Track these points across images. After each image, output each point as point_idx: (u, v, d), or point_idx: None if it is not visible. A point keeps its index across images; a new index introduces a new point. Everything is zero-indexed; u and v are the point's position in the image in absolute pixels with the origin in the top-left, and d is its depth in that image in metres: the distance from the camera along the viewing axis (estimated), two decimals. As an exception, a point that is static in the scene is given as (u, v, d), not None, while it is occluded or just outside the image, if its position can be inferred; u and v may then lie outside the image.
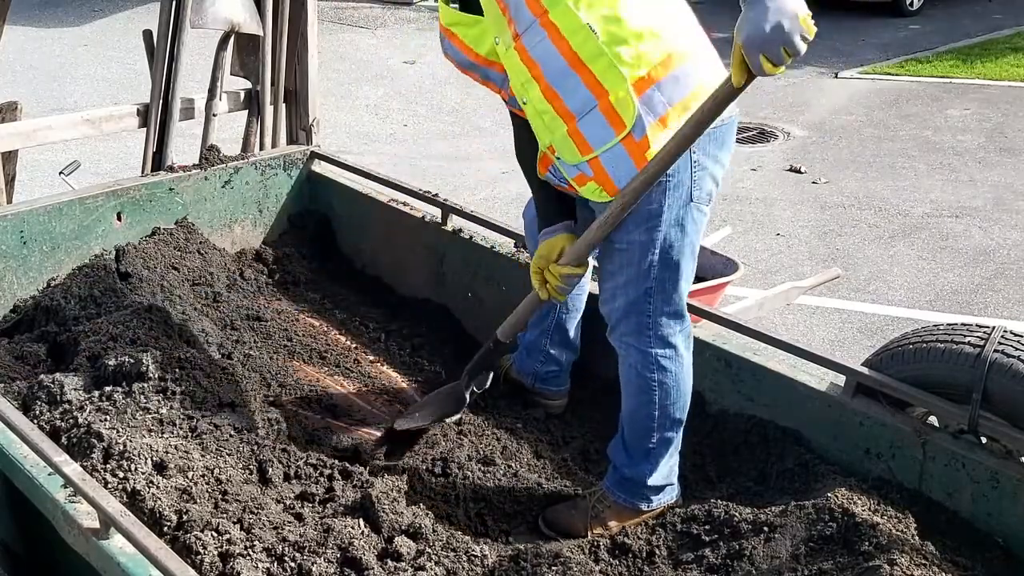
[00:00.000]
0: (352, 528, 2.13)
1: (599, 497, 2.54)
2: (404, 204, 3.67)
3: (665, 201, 2.28)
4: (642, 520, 2.51)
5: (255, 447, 2.38)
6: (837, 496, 2.28)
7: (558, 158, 2.32)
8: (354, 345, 3.41)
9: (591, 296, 2.89)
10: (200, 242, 3.56)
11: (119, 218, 3.42)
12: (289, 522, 2.15)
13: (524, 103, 2.33)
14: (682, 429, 2.53)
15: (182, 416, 2.39)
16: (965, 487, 2.32)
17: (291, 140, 4.00)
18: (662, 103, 2.20)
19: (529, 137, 2.42)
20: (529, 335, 2.99)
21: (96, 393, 2.44)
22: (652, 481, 2.50)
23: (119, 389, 2.44)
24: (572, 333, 2.97)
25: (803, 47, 1.88)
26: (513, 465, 2.67)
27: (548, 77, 2.23)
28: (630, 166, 2.21)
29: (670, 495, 2.56)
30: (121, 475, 2.13)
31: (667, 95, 2.20)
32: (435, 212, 3.52)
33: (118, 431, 2.25)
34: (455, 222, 3.47)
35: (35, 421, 2.34)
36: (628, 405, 2.51)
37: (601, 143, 2.22)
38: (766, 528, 2.27)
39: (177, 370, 2.54)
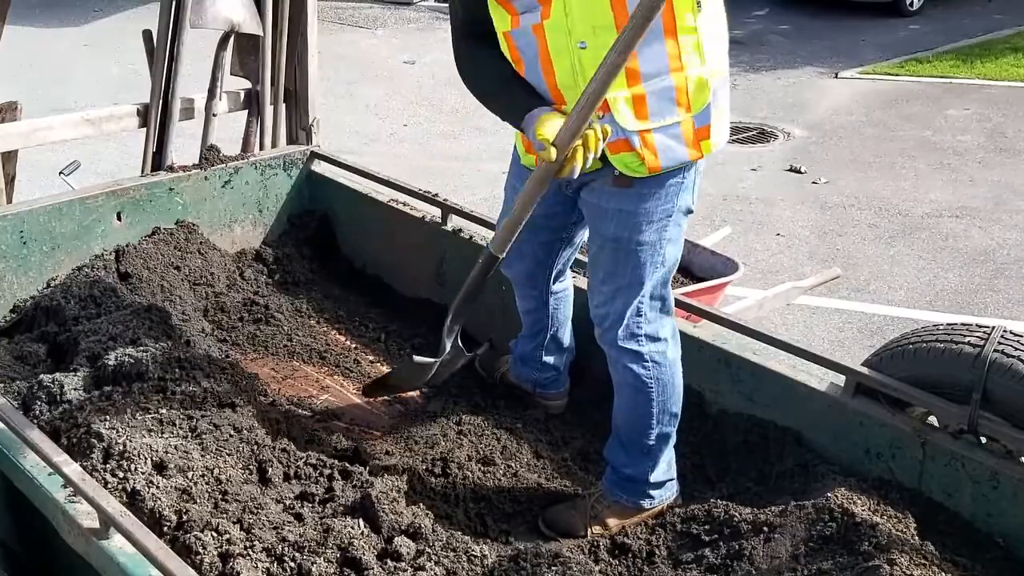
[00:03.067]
0: (352, 528, 2.13)
1: (598, 497, 2.54)
2: (404, 204, 3.67)
3: (676, 202, 2.31)
4: (642, 519, 2.51)
5: (255, 447, 2.38)
6: (837, 496, 2.28)
7: (601, 116, 2.19)
8: (354, 345, 3.41)
9: (578, 297, 2.89)
10: (200, 242, 3.56)
11: (119, 218, 3.42)
12: (289, 522, 2.15)
13: (582, 47, 2.15)
14: (677, 422, 2.54)
15: (182, 416, 2.39)
16: (965, 487, 2.33)
17: (291, 140, 4.00)
18: (716, 105, 2.25)
19: (501, 62, 2.31)
20: (522, 346, 2.98)
21: (96, 393, 2.44)
22: (654, 477, 2.50)
23: (119, 389, 2.44)
24: (566, 340, 2.97)
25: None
26: (513, 465, 2.67)
27: None
28: (683, 151, 2.23)
29: (671, 491, 2.56)
30: (121, 475, 2.13)
31: (718, 101, 2.26)
32: (435, 212, 3.52)
33: (118, 431, 2.25)
34: (455, 222, 3.47)
35: (35, 421, 2.34)
36: (625, 405, 2.51)
37: (662, 117, 2.20)
38: (766, 528, 2.27)
39: (177, 370, 2.54)
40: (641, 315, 2.41)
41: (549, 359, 2.96)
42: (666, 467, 2.54)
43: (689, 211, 2.38)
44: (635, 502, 2.51)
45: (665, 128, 2.20)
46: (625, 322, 2.41)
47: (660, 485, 2.53)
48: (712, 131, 2.26)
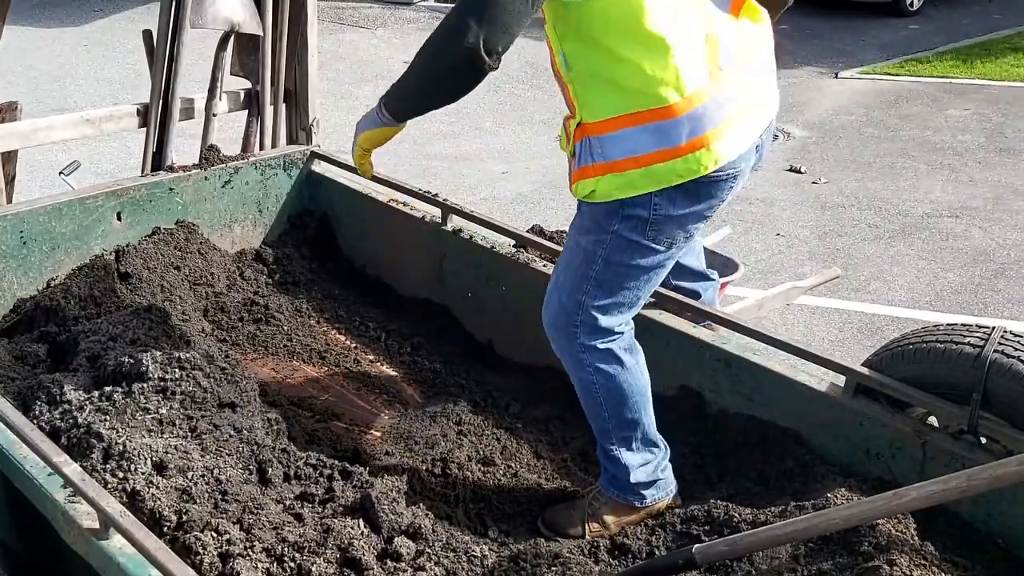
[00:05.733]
0: (352, 528, 2.13)
1: (595, 495, 2.54)
2: (404, 204, 3.67)
3: (615, 222, 2.25)
4: (640, 519, 2.51)
5: (255, 447, 2.38)
6: (837, 497, 2.28)
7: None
8: (354, 345, 3.41)
9: None
10: (200, 242, 3.56)
11: (119, 218, 3.42)
12: (289, 522, 2.15)
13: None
14: (644, 428, 2.47)
15: (182, 416, 2.39)
16: (965, 487, 2.32)
17: (291, 140, 4.00)
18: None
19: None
20: None
21: (96, 393, 2.44)
22: (634, 479, 2.47)
23: (119, 389, 2.44)
24: (696, 265, 2.91)
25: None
26: (513, 465, 2.67)
27: None
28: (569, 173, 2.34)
29: (664, 491, 2.53)
30: (121, 475, 2.13)
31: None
32: (435, 212, 3.52)
33: (118, 431, 2.25)
34: (455, 222, 3.47)
35: (35, 421, 2.33)
36: (582, 403, 2.50)
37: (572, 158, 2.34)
38: (766, 528, 2.27)
39: (177, 370, 2.53)
40: (574, 324, 2.37)
41: (682, 284, 2.90)
42: (649, 470, 2.49)
43: (640, 250, 2.28)
44: (627, 500, 2.49)
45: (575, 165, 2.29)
46: (560, 322, 2.40)
47: (648, 485, 2.49)
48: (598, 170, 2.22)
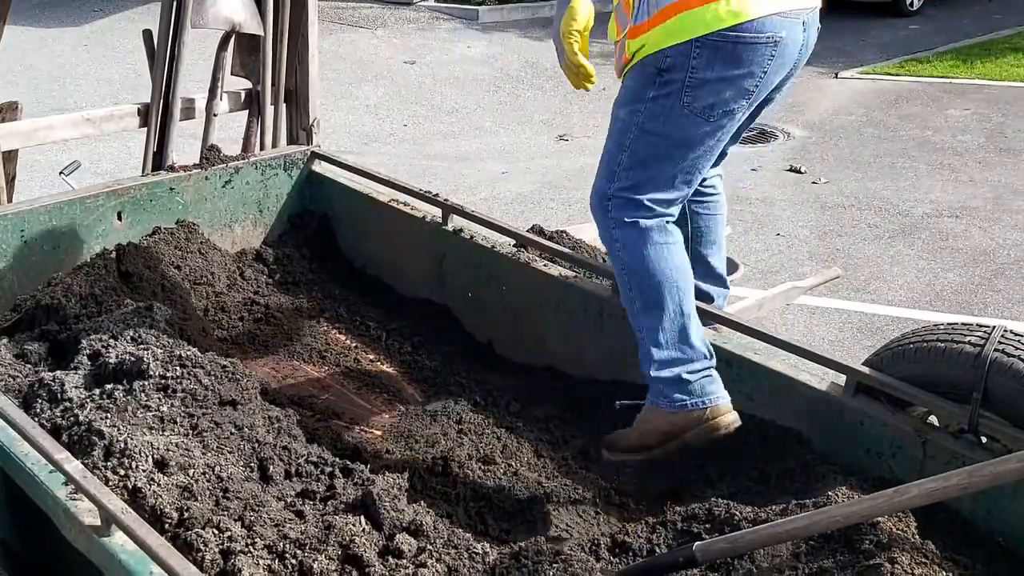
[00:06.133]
0: (353, 526, 2.13)
1: (647, 409, 2.48)
2: (404, 204, 3.67)
3: (651, 91, 2.32)
4: (681, 428, 2.41)
5: (256, 445, 2.38)
6: (838, 495, 2.28)
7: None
8: (354, 345, 3.41)
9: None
10: (200, 242, 3.57)
11: (119, 218, 3.43)
12: (290, 519, 2.15)
13: None
14: (674, 320, 2.42)
15: (183, 414, 2.40)
16: (965, 486, 2.33)
17: (291, 140, 4.00)
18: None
19: None
20: None
21: (97, 391, 2.44)
22: (655, 373, 2.42)
23: (120, 387, 2.44)
24: (718, 267, 2.89)
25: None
26: (513, 464, 2.68)
27: None
28: (619, 49, 2.40)
29: (698, 399, 2.43)
30: (122, 472, 2.13)
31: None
32: (435, 212, 3.53)
33: (119, 429, 2.25)
34: (455, 222, 3.47)
35: (36, 419, 2.33)
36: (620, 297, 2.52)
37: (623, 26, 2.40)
38: (766, 527, 2.27)
39: (178, 368, 2.53)
40: (607, 196, 2.41)
41: (698, 283, 2.74)
42: (673, 369, 2.41)
43: (675, 117, 2.31)
44: (655, 402, 2.44)
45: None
46: (596, 192, 2.45)
47: (674, 386, 2.41)
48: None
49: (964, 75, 9.76)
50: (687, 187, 2.45)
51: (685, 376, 2.43)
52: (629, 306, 2.49)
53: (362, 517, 2.18)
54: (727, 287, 2.99)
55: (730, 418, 2.47)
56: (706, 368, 2.47)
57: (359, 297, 3.72)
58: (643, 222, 2.40)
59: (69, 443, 2.24)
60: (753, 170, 7.13)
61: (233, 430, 2.41)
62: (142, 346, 2.66)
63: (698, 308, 2.83)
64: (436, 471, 2.58)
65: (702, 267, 2.88)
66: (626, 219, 2.40)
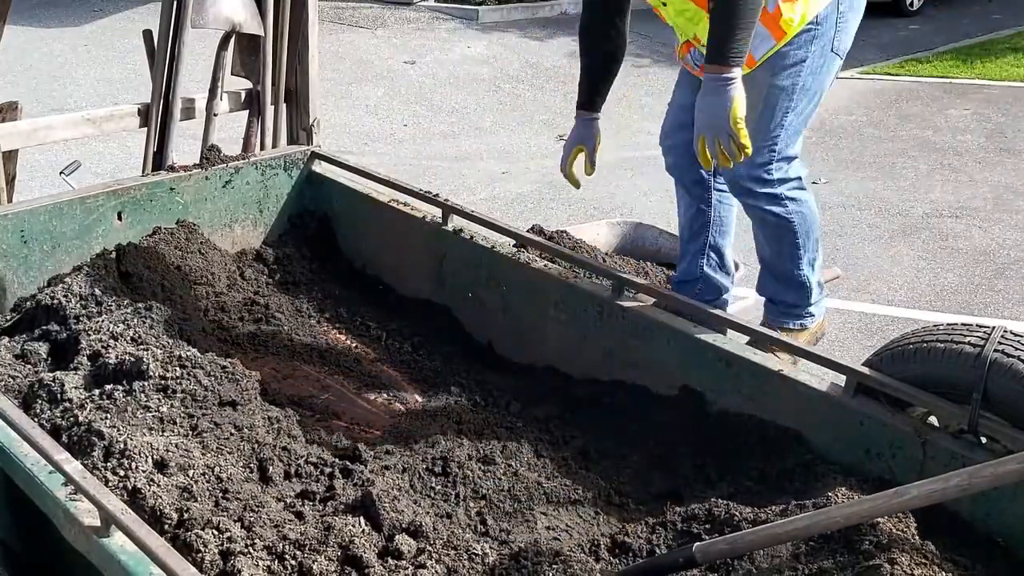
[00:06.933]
0: (353, 526, 2.13)
1: (797, 328, 2.83)
2: (404, 204, 3.67)
3: (811, 49, 2.57)
4: (809, 339, 2.79)
5: (255, 445, 2.38)
6: (837, 496, 2.28)
7: (703, 45, 2.55)
8: (354, 345, 3.41)
9: None
10: (201, 242, 3.56)
11: (120, 218, 3.43)
12: (290, 520, 2.15)
13: (664, 4, 2.64)
14: (820, 245, 2.82)
15: (183, 414, 2.40)
16: (965, 486, 2.32)
17: (292, 140, 4.00)
18: None
19: (602, 20, 2.81)
20: (682, 265, 3.14)
21: (97, 391, 2.44)
22: (813, 299, 2.81)
23: (120, 387, 2.44)
24: (728, 261, 3.12)
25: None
26: (513, 464, 2.67)
27: None
28: (766, 35, 2.53)
29: (824, 308, 2.89)
30: (122, 473, 2.13)
31: None
32: (435, 212, 3.53)
33: (119, 429, 2.26)
34: (456, 222, 3.47)
35: (36, 419, 2.34)
36: (770, 243, 2.77)
37: None
38: (766, 527, 2.27)
39: (178, 369, 2.54)
40: (770, 160, 2.61)
41: (712, 273, 3.07)
42: (819, 289, 2.83)
43: (826, 65, 2.64)
44: (800, 324, 2.80)
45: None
46: (756, 164, 2.60)
47: (818, 304, 2.82)
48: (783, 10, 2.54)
49: (964, 75, 9.76)
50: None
51: (825, 292, 2.90)
52: (792, 253, 2.77)
53: (362, 518, 2.18)
54: (731, 286, 3.05)
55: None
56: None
57: (359, 297, 3.72)
58: (803, 172, 2.71)
59: (69, 444, 2.24)
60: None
61: (233, 430, 2.41)
62: (142, 346, 2.66)
63: (697, 308, 2.85)
64: (436, 471, 2.58)
65: (717, 257, 2.98)
66: (791, 174, 2.68)
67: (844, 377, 2.54)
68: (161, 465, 2.19)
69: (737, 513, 2.34)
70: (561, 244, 3.55)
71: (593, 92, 2.95)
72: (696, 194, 3.05)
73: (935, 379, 2.39)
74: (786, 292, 2.80)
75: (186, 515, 2.05)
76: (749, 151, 2.44)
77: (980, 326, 2.42)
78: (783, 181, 2.66)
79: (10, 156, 3.53)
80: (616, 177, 6.67)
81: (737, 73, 2.37)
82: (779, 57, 2.59)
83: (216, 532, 2.02)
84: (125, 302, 3.09)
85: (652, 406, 2.89)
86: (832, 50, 2.63)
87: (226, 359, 2.65)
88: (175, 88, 3.61)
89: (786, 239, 2.74)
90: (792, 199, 2.69)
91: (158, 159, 3.63)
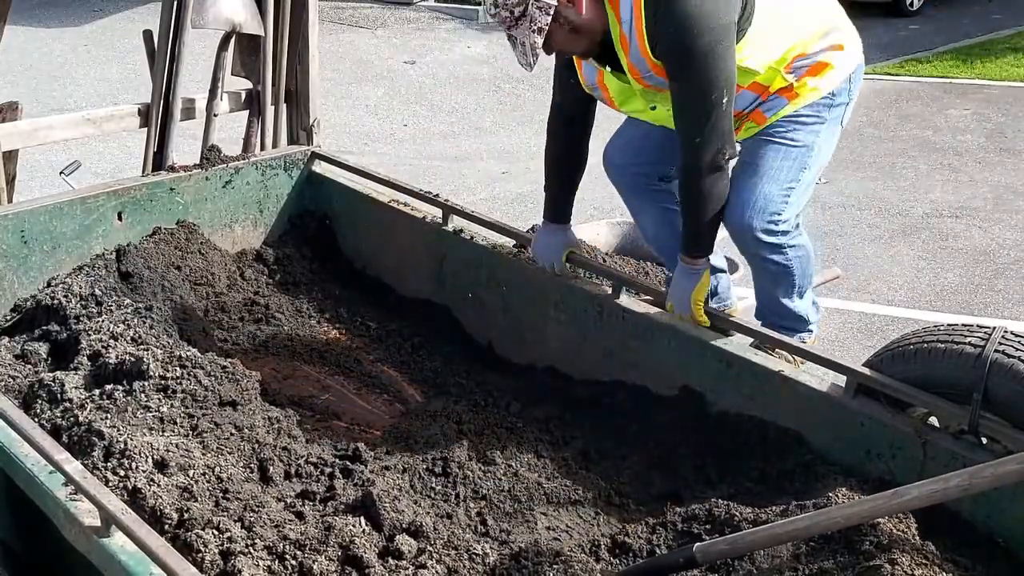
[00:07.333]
0: (353, 526, 2.13)
1: (799, 340, 2.89)
2: (404, 204, 3.67)
3: (828, 115, 2.77)
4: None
5: (256, 445, 2.38)
6: (838, 496, 2.28)
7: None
8: (354, 345, 3.41)
9: None
10: (201, 242, 3.56)
11: (120, 218, 3.43)
12: (290, 520, 2.15)
13: (652, 108, 2.76)
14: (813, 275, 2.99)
15: (183, 414, 2.40)
16: (965, 487, 2.32)
17: (292, 140, 4.00)
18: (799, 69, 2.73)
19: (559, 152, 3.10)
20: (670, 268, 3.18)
21: (97, 391, 2.45)
22: (810, 318, 2.98)
23: (120, 387, 2.44)
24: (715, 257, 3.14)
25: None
26: (513, 464, 2.67)
27: None
28: (781, 100, 2.73)
29: (817, 320, 3.05)
30: (122, 473, 2.13)
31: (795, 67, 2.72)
32: (435, 212, 3.53)
33: (119, 429, 2.26)
34: (456, 222, 3.47)
35: (36, 419, 2.34)
36: (769, 290, 2.91)
37: (750, 104, 2.74)
38: (767, 527, 2.27)
39: (178, 369, 2.54)
40: (778, 212, 2.73)
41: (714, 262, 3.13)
42: (815, 310, 3.00)
43: (834, 136, 2.84)
44: (800, 339, 2.90)
45: (765, 103, 2.76)
46: (764, 214, 2.71)
47: (815, 322, 2.99)
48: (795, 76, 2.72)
49: (964, 75, 9.75)
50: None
51: (818, 309, 3.07)
52: (791, 299, 2.92)
53: (362, 518, 2.18)
54: (727, 269, 3.35)
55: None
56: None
57: (359, 297, 3.72)
58: (802, 220, 2.86)
59: (69, 444, 2.24)
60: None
61: (233, 431, 2.41)
62: (142, 346, 2.66)
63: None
64: (436, 471, 2.57)
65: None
66: (793, 228, 2.80)
67: (844, 378, 2.54)
68: (161, 465, 2.19)
69: (737, 513, 2.34)
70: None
71: (565, 203, 3.15)
72: (656, 197, 3.12)
73: (936, 380, 2.39)
74: (783, 320, 2.94)
75: (186, 515, 2.05)
76: (706, 323, 2.78)
77: (980, 326, 2.42)
78: (786, 233, 2.78)
79: (10, 156, 3.53)
80: (616, 177, 6.65)
81: (703, 264, 2.74)
82: (799, 117, 2.75)
83: (216, 532, 2.02)
84: (125, 302, 3.09)
85: (652, 407, 2.89)
86: (840, 121, 2.83)
87: (226, 359, 2.65)
88: (175, 88, 3.61)
89: (784, 282, 2.88)
90: (793, 246, 2.82)
91: (158, 159, 3.63)
